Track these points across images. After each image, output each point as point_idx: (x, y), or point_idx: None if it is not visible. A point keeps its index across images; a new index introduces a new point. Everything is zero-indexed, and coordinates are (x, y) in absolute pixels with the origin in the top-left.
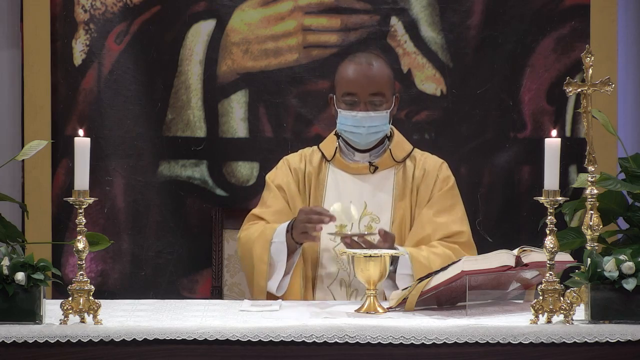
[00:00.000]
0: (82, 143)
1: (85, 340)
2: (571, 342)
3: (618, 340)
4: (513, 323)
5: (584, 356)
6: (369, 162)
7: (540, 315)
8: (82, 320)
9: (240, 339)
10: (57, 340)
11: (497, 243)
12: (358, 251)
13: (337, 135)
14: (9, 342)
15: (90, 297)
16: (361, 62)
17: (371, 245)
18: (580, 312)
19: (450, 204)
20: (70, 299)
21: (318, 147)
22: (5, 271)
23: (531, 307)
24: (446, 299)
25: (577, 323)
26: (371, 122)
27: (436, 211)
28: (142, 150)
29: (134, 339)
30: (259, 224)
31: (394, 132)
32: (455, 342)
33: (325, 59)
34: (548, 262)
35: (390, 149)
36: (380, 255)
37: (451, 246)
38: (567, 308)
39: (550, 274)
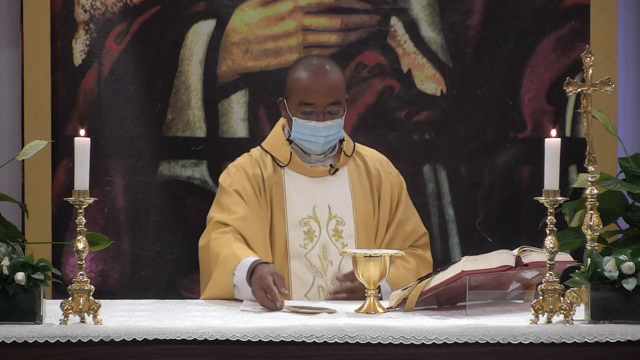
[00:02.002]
0: (82, 143)
1: (85, 340)
2: (571, 342)
3: (618, 340)
4: (513, 323)
5: (584, 356)
6: (330, 165)
7: (540, 315)
8: (82, 320)
9: (240, 339)
10: (57, 340)
11: (497, 243)
12: (358, 251)
13: (289, 141)
14: (9, 342)
15: (90, 297)
16: (317, 70)
17: (351, 290)
18: (580, 312)
19: (411, 207)
20: (70, 299)
21: (265, 150)
22: (5, 271)
23: (531, 307)
24: (446, 299)
25: (577, 323)
26: (329, 131)
27: (405, 217)
28: (142, 150)
29: (134, 339)
30: (227, 237)
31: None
32: (455, 342)
33: None
34: (548, 262)
35: (344, 151)
36: (380, 255)
37: (416, 253)
38: (567, 308)
39: (550, 274)
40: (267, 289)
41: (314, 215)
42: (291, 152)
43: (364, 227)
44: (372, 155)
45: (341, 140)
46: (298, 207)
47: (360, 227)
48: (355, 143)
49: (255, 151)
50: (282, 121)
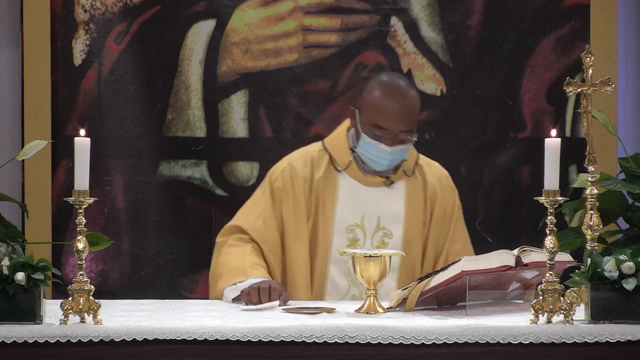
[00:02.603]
0: (82, 143)
1: (85, 340)
2: (571, 342)
3: (618, 340)
4: (513, 323)
5: (584, 356)
6: (387, 177)
7: (540, 315)
8: (82, 320)
9: (240, 339)
10: (57, 340)
11: (497, 243)
12: (358, 251)
13: (352, 149)
14: (9, 342)
15: (90, 297)
16: (397, 95)
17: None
18: (580, 312)
19: (461, 227)
20: (70, 299)
21: (325, 149)
22: (5, 271)
23: (531, 307)
24: (446, 299)
25: (577, 323)
26: (395, 155)
27: (455, 237)
28: (142, 150)
29: (134, 339)
30: (242, 249)
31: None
32: (455, 342)
33: (325, 59)
34: (548, 262)
35: (403, 169)
36: (380, 255)
37: None
38: (567, 308)
39: (550, 274)
40: (262, 290)
41: (361, 223)
42: (350, 160)
43: (411, 242)
44: (432, 170)
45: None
46: (347, 213)
47: (407, 242)
48: (419, 155)
49: (315, 147)
50: (347, 123)
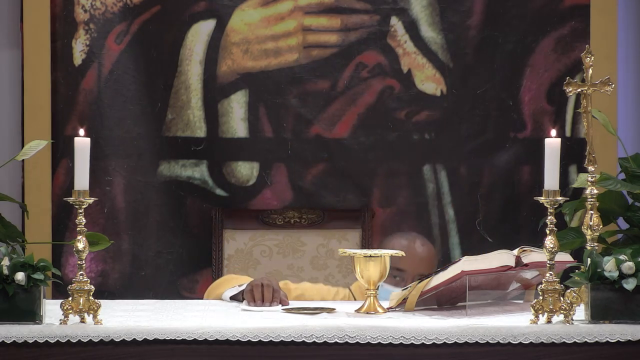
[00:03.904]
0: (82, 143)
1: (85, 340)
2: (571, 342)
3: (618, 340)
4: (513, 323)
5: (584, 356)
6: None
7: (540, 315)
8: (82, 320)
9: (240, 339)
10: (57, 340)
11: (497, 243)
12: (358, 251)
13: None
14: (9, 342)
15: (90, 297)
16: (414, 242)
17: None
18: (580, 312)
19: None
20: (70, 299)
21: (353, 297)
22: (5, 271)
23: (531, 307)
24: (446, 299)
25: (577, 323)
26: None
27: None
28: (142, 150)
29: (134, 339)
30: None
31: None
32: (455, 342)
33: (325, 59)
34: (548, 262)
35: None
36: (380, 255)
37: None
38: (567, 308)
39: (550, 274)
40: (265, 287)
41: None
42: None
43: None
44: None
45: None
46: None
47: None
48: None
49: (339, 292)
50: None
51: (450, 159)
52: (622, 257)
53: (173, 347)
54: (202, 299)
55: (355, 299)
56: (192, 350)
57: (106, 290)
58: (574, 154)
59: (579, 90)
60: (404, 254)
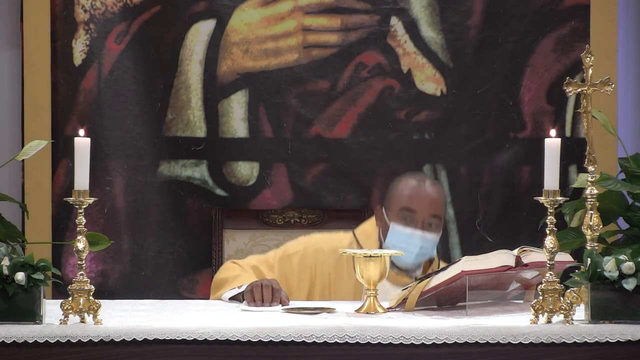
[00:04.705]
0: (82, 143)
1: (85, 340)
2: (571, 342)
3: (618, 340)
4: (513, 323)
5: (584, 356)
6: (415, 278)
7: (540, 315)
8: (82, 320)
9: (240, 339)
10: (57, 340)
11: (497, 243)
12: (358, 251)
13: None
14: (9, 342)
15: (90, 297)
16: (424, 182)
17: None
18: (580, 312)
19: None
20: (70, 299)
21: (358, 242)
22: (5, 271)
23: (531, 307)
24: (446, 299)
25: (577, 323)
26: (424, 242)
27: None
28: (142, 150)
29: (134, 339)
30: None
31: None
32: (455, 342)
33: (325, 59)
34: (548, 262)
35: (432, 269)
36: (380, 255)
37: None
38: (567, 308)
39: (550, 274)
40: (264, 287)
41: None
42: None
43: None
44: None
45: (431, 261)
46: None
47: None
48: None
49: (346, 239)
50: (374, 220)
51: (450, 159)
52: (622, 257)
53: (173, 347)
54: (202, 299)
55: (359, 246)
56: (192, 350)
57: (106, 290)
58: (574, 154)
59: (579, 90)
60: (403, 254)
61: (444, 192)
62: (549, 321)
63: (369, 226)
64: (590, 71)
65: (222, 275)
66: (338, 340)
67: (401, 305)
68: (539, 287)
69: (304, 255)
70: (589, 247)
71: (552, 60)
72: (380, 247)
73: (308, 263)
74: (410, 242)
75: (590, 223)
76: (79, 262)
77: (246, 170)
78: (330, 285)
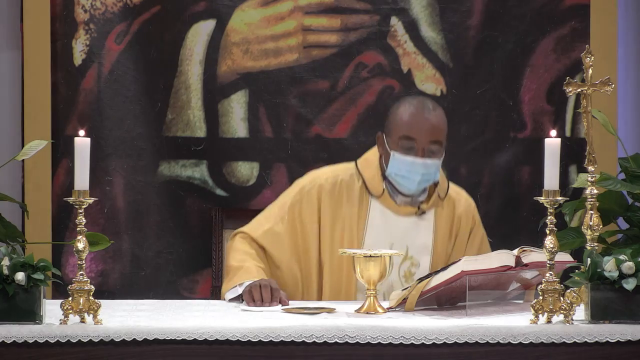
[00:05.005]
0: (82, 143)
1: (85, 340)
2: (571, 342)
3: (618, 340)
4: (513, 323)
5: (584, 356)
6: (418, 206)
7: (540, 315)
8: (82, 320)
9: (240, 339)
10: (57, 340)
11: (497, 243)
12: (358, 251)
13: (384, 177)
14: (9, 342)
15: (90, 297)
16: (423, 107)
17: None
18: (580, 312)
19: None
20: (70, 299)
21: (359, 173)
22: (5, 271)
23: (531, 307)
24: (446, 299)
25: (577, 323)
26: (426, 169)
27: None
28: (142, 150)
29: (134, 339)
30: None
31: (439, 176)
32: (455, 342)
33: (325, 59)
34: (548, 262)
35: (437, 193)
36: (380, 255)
37: None
38: (567, 308)
39: (550, 274)
40: (263, 287)
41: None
42: (384, 188)
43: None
44: (460, 198)
45: (435, 185)
46: (375, 242)
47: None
48: (450, 184)
49: (348, 170)
50: (377, 149)
51: (450, 159)
52: (622, 257)
53: (173, 347)
54: (202, 299)
55: (361, 175)
56: (192, 350)
57: (106, 290)
58: (574, 154)
59: (579, 90)
60: (402, 254)
61: (444, 115)
62: (549, 321)
63: (371, 154)
64: (590, 71)
65: (230, 261)
66: (338, 340)
67: (401, 305)
68: (539, 287)
69: (307, 197)
70: (589, 247)
71: (552, 60)
72: (383, 174)
73: (313, 202)
74: (412, 169)
75: (590, 223)
76: (79, 262)
77: (246, 170)
78: (340, 217)
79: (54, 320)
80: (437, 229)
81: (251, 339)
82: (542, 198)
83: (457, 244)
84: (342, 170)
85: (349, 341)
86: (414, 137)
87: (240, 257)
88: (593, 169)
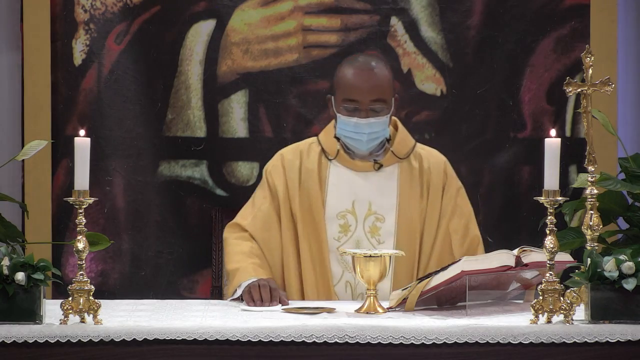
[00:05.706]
0: (82, 143)
1: (85, 340)
2: (571, 342)
3: (618, 340)
4: (513, 323)
5: (584, 356)
6: (374, 160)
7: (540, 315)
8: (82, 320)
9: (240, 339)
10: (57, 340)
11: (497, 243)
12: (358, 251)
13: (337, 138)
14: (9, 342)
15: (90, 297)
16: (362, 67)
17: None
18: (580, 312)
19: (464, 211)
20: (70, 299)
21: (318, 142)
22: (5, 271)
23: (531, 307)
24: (446, 299)
25: (577, 323)
26: (371, 128)
27: (466, 220)
28: (142, 150)
29: (134, 339)
30: (242, 248)
31: (397, 130)
32: (455, 342)
33: (325, 59)
34: (548, 262)
35: (392, 150)
36: (380, 255)
37: None
38: (567, 308)
39: (550, 274)
40: (262, 287)
41: (352, 209)
42: (338, 149)
43: (407, 226)
44: (429, 155)
45: (388, 139)
46: (337, 200)
47: (403, 226)
48: (417, 144)
49: (308, 141)
50: None
51: (450, 159)
52: (622, 257)
53: (173, 347)
54: (202, 299)
55: (321, 145)
56: (192, 350)
57: (106, 290)
58: (574, 154)
59: (579, 90)
60: (403, 254)
61: (387, 71)
62: (549, 321)
63: (329, 126)
64: (590, 71)
65: (227, 265)
66: (338, 340)
67: (401, 305)
68: (539, 287)
69: (275, 168)
70: (589, 247)
71: (552, 60)
72: (335, 136)
73: (279, 171)
74: (357, 130)
75: (590, 223)
76: (79, 262)
77: (246, 170)
78: (303, 179)
79: (54, 320)
80: (401, 184)
81: (251, 339)
82: (542, 198)
83: (431, 199)
84: (303, 142)
85: (349, 341)
86: (356, 98)
87: (236, 259)
88: (593, 169)
